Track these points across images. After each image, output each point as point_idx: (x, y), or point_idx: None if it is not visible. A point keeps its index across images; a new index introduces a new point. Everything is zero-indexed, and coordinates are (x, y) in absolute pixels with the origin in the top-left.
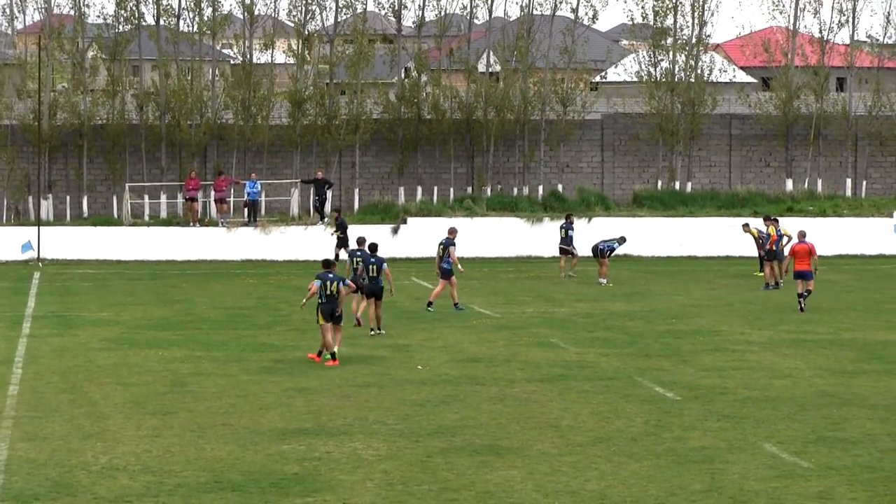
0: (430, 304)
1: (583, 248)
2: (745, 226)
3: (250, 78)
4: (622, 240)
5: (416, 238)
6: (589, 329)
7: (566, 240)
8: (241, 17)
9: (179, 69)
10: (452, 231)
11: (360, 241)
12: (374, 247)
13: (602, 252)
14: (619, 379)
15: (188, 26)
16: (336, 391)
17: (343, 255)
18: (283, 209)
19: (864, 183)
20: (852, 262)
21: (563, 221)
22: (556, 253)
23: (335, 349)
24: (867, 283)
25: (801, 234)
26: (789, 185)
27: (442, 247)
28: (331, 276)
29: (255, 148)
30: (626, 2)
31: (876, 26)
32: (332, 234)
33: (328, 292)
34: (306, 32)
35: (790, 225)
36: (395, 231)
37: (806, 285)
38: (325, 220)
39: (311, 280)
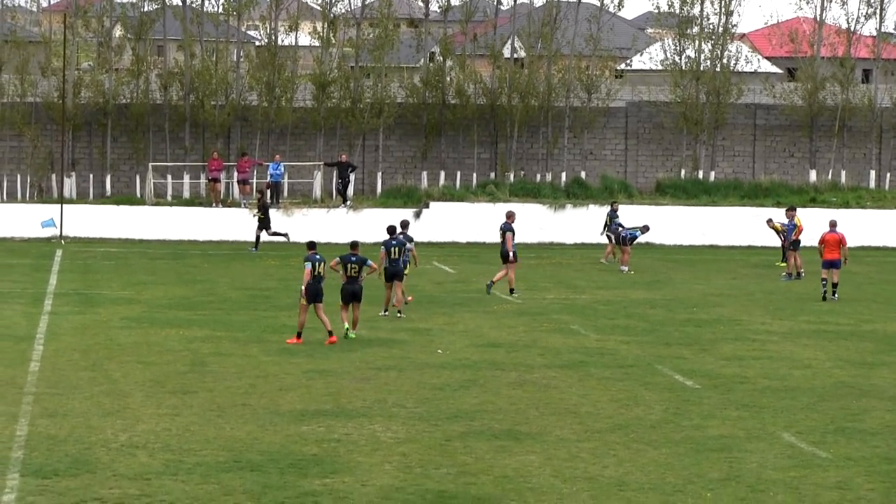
0: (511, 290)
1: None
2: (769, 221)
3: (275, 60)
4: (645, 228)
5: (439, 223)
6: (609, 316)
7: (612, 227)
8: None
9: (204, 50)
10: (510, 215)
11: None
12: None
13: (624, 239)
14: (638, 366)
15: (213, 7)
16: (356, 374)
17: (264, 236)
18: (305, 191)
19: (888, 175)
20: (875, 253)
21: (608, 209)
22: (588, 239)
23: (349, 329)
24: (889, 275)
25: (833, 224)
26: (813, 176)
27: (502, 232)
28: (317, 257)
29: (278, 130)
30: None
31: None
32: (254, 216)
33: (315, 273)
34: (332, 15)
35: (814, 216)
36: (418, 215)
37: (832, 275)
38: (348, 203)
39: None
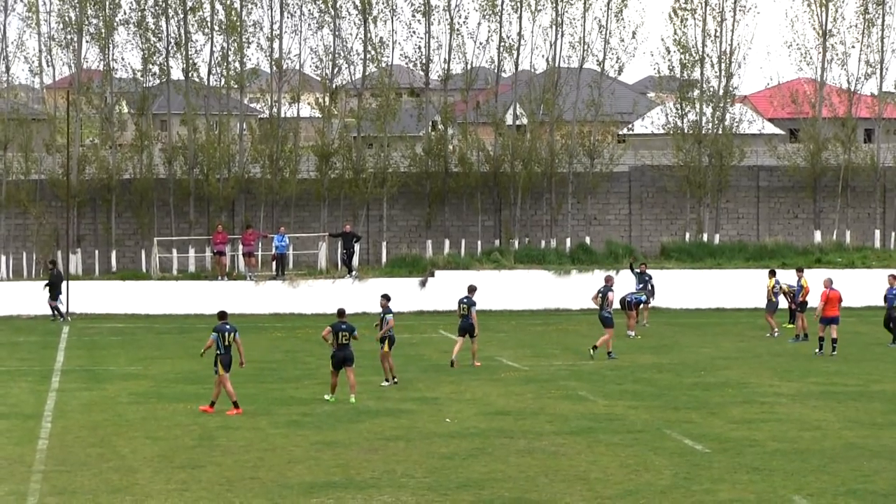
0: (594, 347)
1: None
2: (778, 284)
3: (277, 132)
4: (649, 292)
5: (444, 291)
6: (617, 382)
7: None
8: (269, 70)
9: (207, 123)
10: (609, 279)
11: (340, 312)
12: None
13: (630, 304)
14: (647, 431)
15: (216, 80)
16: (364, 444)
17: (62, 307)
18: (310, 263)
19: (893, 234)
20: (881, 313)
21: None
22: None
23: (330, 396)
24: None
25: (829, 282)
26: (818, 236)
27: (601, 295)
28: (227, 327)
29: (282, 202)
30: (652, 55)
31: None
32: (45, 287)
33: (226, 343)
34: (333, 86)
35: (819, 277)
36: (423, 284)
37: (831, 331)
38: (354, 273)
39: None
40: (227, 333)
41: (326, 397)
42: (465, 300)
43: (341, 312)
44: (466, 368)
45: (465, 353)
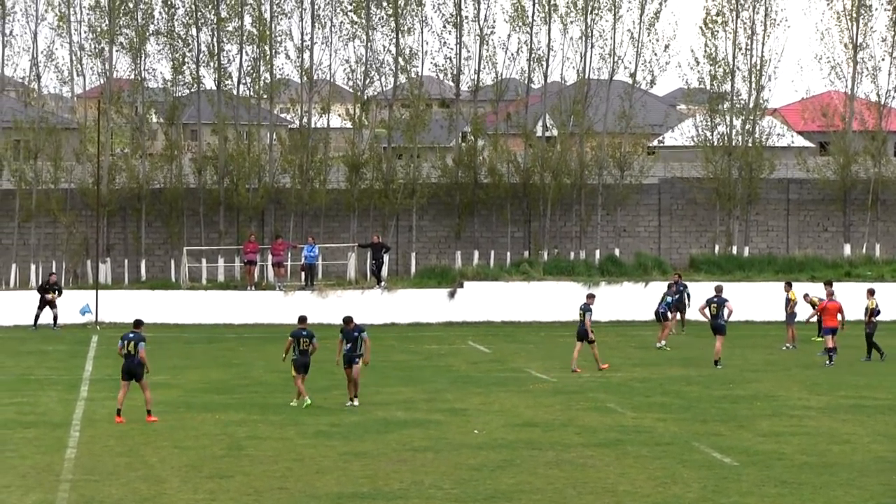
0: (715, 362)
1: (643, 312)
2: (805, 295)
3: (307, 142)
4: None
5: (473, 302)
6: (646, 394)
7: (665, 304)
8: (299, 80)
9: (237, 133)
10: (719, 288)
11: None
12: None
13: (664, 315)
14: (676, 444)
15: (246, 90)
16: (392, 455)
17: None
18: (340, 273)
19: None
20: None
21: (673, 283)
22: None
23: (304, 399)
24: None
25: (830, 293)
26: (847, 249)
27: (716, 305)
28: (131, 335)
29: (312, 212)
30: (680, 66)
31: None
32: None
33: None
34: (364, 97)
35: (849, 290)
36: (452, 295)
37: (834, 341)
38: (383, 283)
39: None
40: (127, 342)
41: (293, 403)
42: (582, 306)
43: (302, 319)
44: (495, 379)
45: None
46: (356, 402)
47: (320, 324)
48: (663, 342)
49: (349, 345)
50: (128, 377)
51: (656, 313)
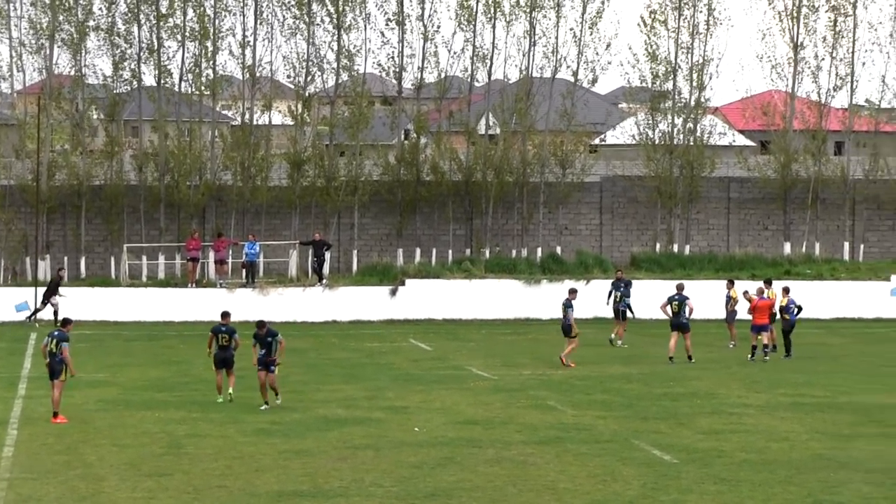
0: (689, 357)
1: (584, 310)
2: (745, 293)
3: (249, 139)
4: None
5: (415, 300)
6: (586, 391)
7: (623, 303)
8: (241, 78)
9: (178, 130)
10: (681, 286)
11: (224, 314)
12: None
13: (623, 314)
14: (616, 441)
15: (188, 87)
16: (333, 453)
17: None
18: (281, 270)
19: (862, 247)
20: (849, 325)
21: (617, 281)
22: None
23: (230, 394)
24: (864, 347)
25: (761, 290)
26: (787, 248)
27: (677, 302)
28: (56, 333)
29: (253, 209)
30: (622, 65)
31: (874, 91)
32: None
33: (49, 349)
34: (306, 94)
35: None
36: (394, 293)
37: (763, 338)
38: (324, 281)
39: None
40: (50, 340)
41: (219, 400)
42: (564, 302)
43: (224, 314)
44: (436, 376)
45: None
46: (279, 400)
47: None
48: (621, 340)
49: (263, 350)
50: (52, 376)
51: (616, 310)
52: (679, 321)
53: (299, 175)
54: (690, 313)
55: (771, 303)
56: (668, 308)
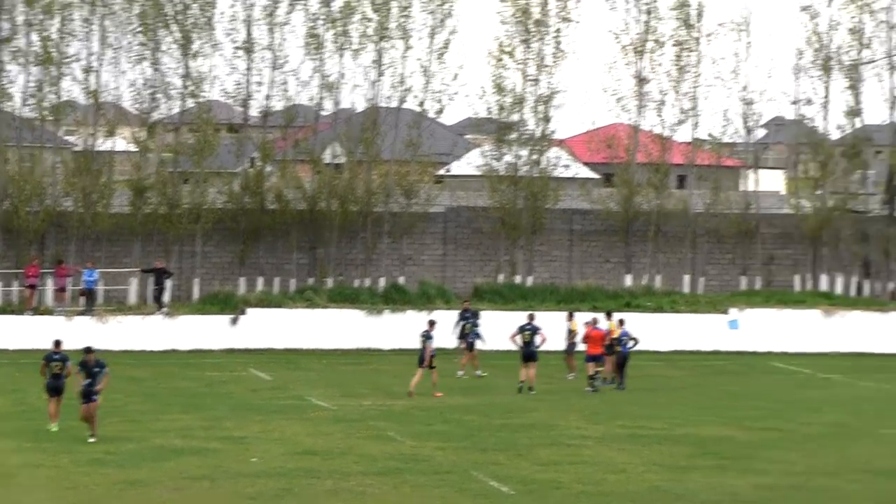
0: (530, 388)
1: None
2: (586, 324)
3: (91, 165)
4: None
5: (256, 329)
6: (426, 422)
7: (474, 333)
8: (85, 103)
9: (19, 155)
10: (531, 317)
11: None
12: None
13: (471, 345)
14: (454, 472)
15: (31, 111)
16: (168, 484)
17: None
18: (121, 298)
19: (702, 279)
20: (688, 357)
21: (464, 312)
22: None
23: (52, 425)
24: (702, 379)
25: (594, 321)
26: (628, 280)
27: (529, 332)
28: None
29: (94, 236)
30: (468, 97)
31: (716, 125)
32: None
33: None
34: (150, 120)
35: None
36: (235, 322)
37: (596, 367)
38: (164, 309)
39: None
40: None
41: (52, 428)
42: (423, 333)
43: (57, 342)
44: (276, 406)
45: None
46: (93, 439)
47: (98, 350)
48: (477, 370)
49: (89, 379)
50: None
51: (468, 343)
52: (529, 351)
53: (142, 202)
54: (542, 343)
55: (603, 334)
56: (519, 338)
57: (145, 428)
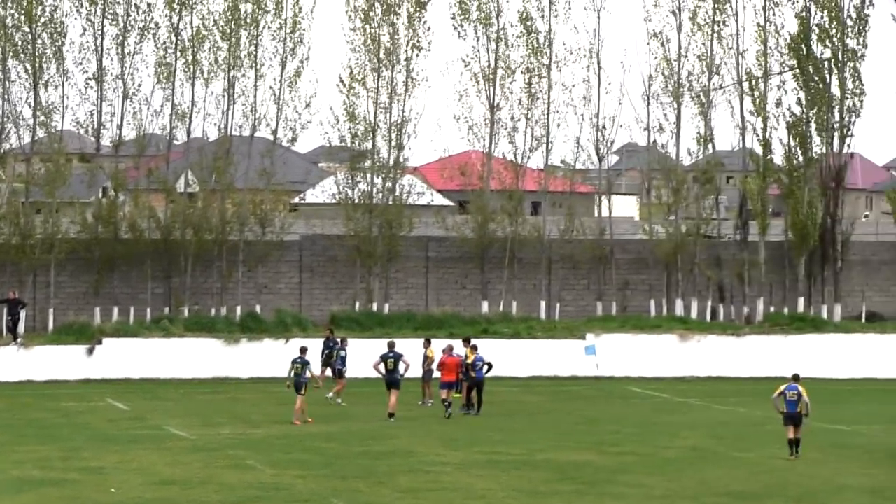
0: (391, 415)
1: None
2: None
3: None
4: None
5: (112, 359)
6: (286, 450)
7: (341, 360)
8: None
9: None
10: (392, 344)
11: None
12: (391, 344)
13: (340, 372)
14: (314, 501)
15: None
16: None
17: None
18: None
19: (558, 305)
20: (546, 383)
21: (327, 340)
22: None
23: None
24: (560, 404)
25: (450, 348)
26: (485, 306)
27: (392, 360)
28: None
29: None
30: (321, 125)
31: (568, 151)
32: None
33: None
34: (1, 150)
35: (487, 347)
36: (91, 352)
37: (451, 393)
38: (19, 340)
39: None
40: None
41: None
42: (296, 359)
43: None
44: (133, 436)
45: None
46: None
47: None
48: (339, 399)
49: None
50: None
51: (333, 369)
52: (394, 378)
53: None
54: (406, 370)
55: (459, 360)
56: (382, 366)
57: (2, 459)
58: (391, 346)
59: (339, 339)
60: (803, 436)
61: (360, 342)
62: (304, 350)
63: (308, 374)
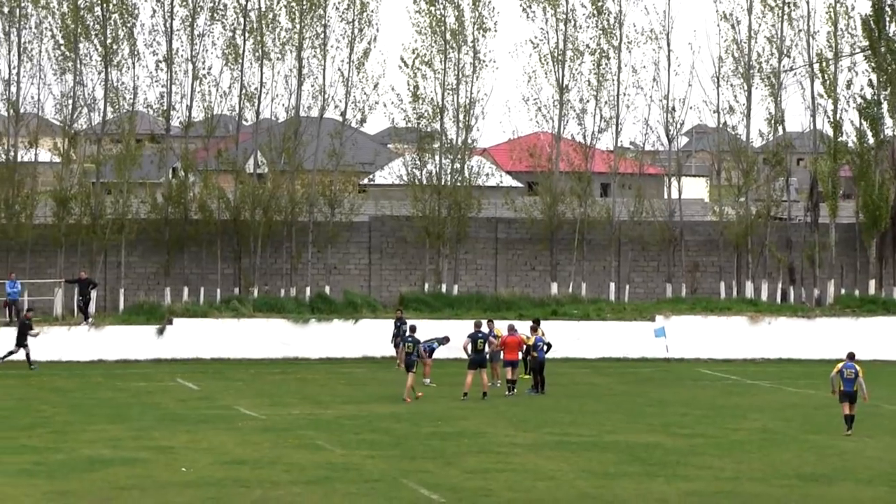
0: (484, 394)
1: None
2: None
3: (14, 176)
4: (445, 339)
5: (182, 339)
6: (355, 431)
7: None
8: (6, 114)
9: None
10: (478, 324)
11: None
12: (478, 324)
13: (424, 351)
14: (384, 481)
15: None
16: (98, 494)
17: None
18: (46, 309)
19: (627, 287)
20: (615, 365)
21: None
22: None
23: None
24: (629, 386)
25: (511, 328)
26: (554, 288)
27: (481, 340)
28: None
29: (17, 247)
30: (385, 106)
31: (637, 133)
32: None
33: None
34: (72, 131)
35: (556, 329)
36: (161, 332)
37: (515, 373)
38: (90, 320)
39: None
40: None
41: None
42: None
43: None
44: (203, 416)
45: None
46: None
47: (24, 360)
48: (427, 379)
49: None
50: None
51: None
52: (481, 358)
53: (65, 213)
54: (494, 349)
55: (519, 339)
56: (471, 346)
57: (73, 439)
58: (478, 325)
59: (409, 325)
60: (859, 415)
61: (429, 323)
62: (413, 329)
63: (417, 353)
